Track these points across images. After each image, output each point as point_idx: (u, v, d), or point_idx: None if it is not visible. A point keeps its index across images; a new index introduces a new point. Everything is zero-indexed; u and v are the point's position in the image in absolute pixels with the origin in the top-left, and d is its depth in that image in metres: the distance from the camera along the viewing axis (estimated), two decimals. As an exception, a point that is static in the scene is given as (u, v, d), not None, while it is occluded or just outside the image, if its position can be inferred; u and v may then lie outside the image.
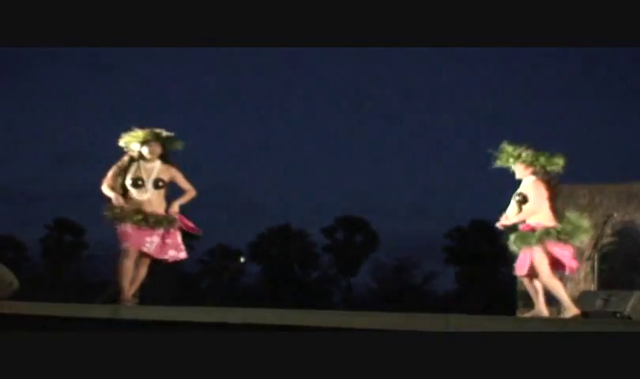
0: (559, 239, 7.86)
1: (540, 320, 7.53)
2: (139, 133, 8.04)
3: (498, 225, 8.22)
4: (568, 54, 70.19)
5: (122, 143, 8.15)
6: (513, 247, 8.11)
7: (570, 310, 7.89)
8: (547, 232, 7.83)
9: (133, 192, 7.96)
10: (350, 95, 79.96)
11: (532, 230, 7.93)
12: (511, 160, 7.99)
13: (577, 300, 9.96)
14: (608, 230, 10.67)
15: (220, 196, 59.76)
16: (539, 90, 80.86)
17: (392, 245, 46.82)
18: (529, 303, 11.70)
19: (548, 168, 8.04)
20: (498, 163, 8.11)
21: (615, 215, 10.65)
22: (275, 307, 9.09)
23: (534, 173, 8.04)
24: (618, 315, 8.86)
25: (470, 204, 77.38)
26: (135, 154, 8.01)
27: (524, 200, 7.95)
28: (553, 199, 8.06)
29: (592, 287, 9.97)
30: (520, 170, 8.02)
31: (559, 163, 8.05)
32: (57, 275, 44.49)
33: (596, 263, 9.97)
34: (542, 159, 7.99)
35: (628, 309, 8.87)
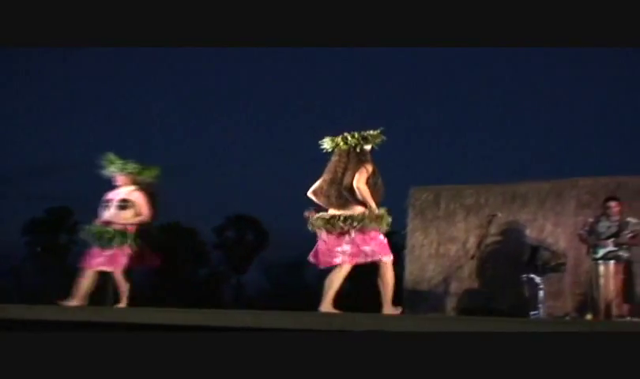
0: None
1: (428, 318, 7.59)
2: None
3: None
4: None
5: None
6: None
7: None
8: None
9: None
10: (241, 94, 79.59)
11: None
12: None
13: (461, 298, 10.17)
14: (492, 230, 10.92)
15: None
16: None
17: (284, 243, 46.84)
18: (415, 301, 11.89)
19: None
20: None
21: (499, 214, 10.90)
22: (163, 306, 8.95)
23: None
24: (499, 312, 9.08)
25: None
26: None
27: None
28: None
29: (476, 285, 10.18)
30: None
31: None
32: None
33: (479, 261, 10.18)
34: None
35: (509, 307, 9.09)
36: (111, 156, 8.78)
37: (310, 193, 7.20)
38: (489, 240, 10.95)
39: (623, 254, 9.19)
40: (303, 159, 76.17)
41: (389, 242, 7.15)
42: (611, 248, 9.18)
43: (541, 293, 9.86)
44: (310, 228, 7.23)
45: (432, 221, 11.66)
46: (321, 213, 7.14)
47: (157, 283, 42.40)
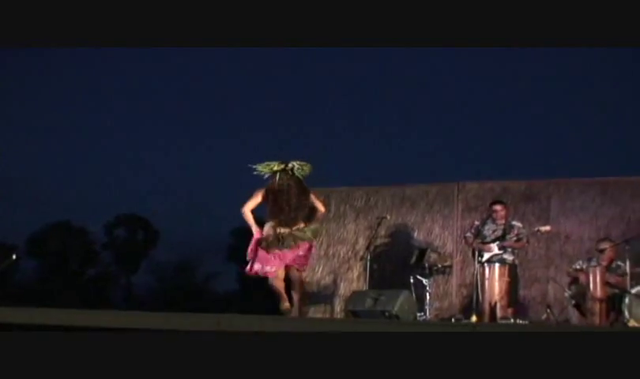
0: None
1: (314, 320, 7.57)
2: None
3: None
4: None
5: None
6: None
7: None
8: None
9: None
10: (131, 91, 78.19)
11: None
12: None
13: (349, 299, 10.18)
14: (382, 232, 10.98)
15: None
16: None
17: (174, 243, 46.24)
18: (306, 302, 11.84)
19: None
20: None
21: (388, 217, 10.96)
22: (51, 306, 8.65)
23: None
24: (387, 314, 9.11)
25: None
26: None
27: None
28: None
29: (365, 286, 10.20)
30: None
31: None
32: None
33: (368, 263, 10.20)
34: None
35: (396, 308, 9.13)
36: None
37: None
38: (378, 242, 11.01)
39: (508, 257, 9.35)
40: (194, 158, 75.68)
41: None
42: (496, 251, 9.34)
43: (428, 295, 9.97)
44: None
45: (322, 222, 11.66)
46: None
47: (46, 282, 41.30)
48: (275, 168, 8.15)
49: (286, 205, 8.03)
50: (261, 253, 8.03)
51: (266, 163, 8.21)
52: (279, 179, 8.09)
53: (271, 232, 8.02)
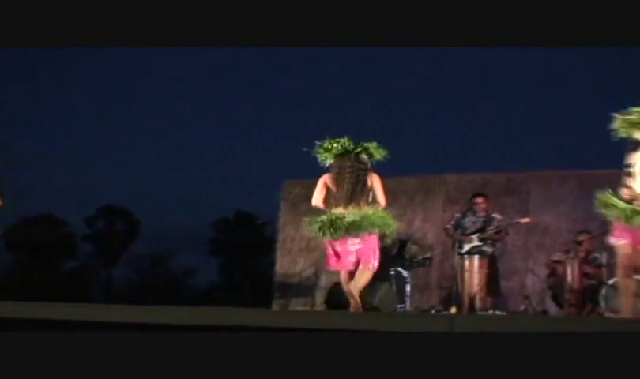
0: None
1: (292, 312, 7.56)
2: None
3: None
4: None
5: None
6: None
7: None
8: None
9: None
10: (108, 86, 77.77)
11: None
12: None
13: (329, 292, 10.21)
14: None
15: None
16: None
17: (155, 235, 46.10)
18: (285, 295, 11.90)
19: None
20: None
21: (369, 209, 10.99)
22: (29, 299, 8.58)
23: None
24: (367, 306, 9.14)
25: (234, 197, 78.05)
26: None
27: None
28: None
29: (346, 278, 10.23)
30: None
31: None
32: None
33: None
34: None
35: (376, 301, 9.18)
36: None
37: None
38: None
39: (488, 249, 9.42)
40: (171, 151, 75.43)
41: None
42: (476, 243, 9.40)
43: (408, 286, 10.02)
44: None
45: (304, 215, 11.68)
46: None
47: (26, 275, 41.06)
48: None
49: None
50: None
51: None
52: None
53: None
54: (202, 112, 78.36)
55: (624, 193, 6.06)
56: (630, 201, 6.01)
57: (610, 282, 8.70)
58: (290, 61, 75.51)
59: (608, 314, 8.45)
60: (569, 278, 8.80)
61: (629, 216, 5.96)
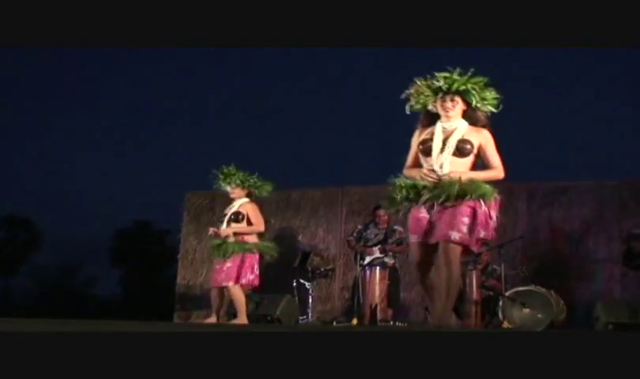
0: None
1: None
2: None
3: None
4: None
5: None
6: None
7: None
8: None
9: None
10: (11, 93, 75.81)
11: None
12: None
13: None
14: (267, 235, 10.98)
15: None
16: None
17: (56, 246, 45.04)
18: (186, 306, 11.75)
19: None
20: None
21: (273, 221, 10.98)
22: None
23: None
24: (269, 318, 9.13)
25: (132, 206, 77.00)
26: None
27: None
28: None
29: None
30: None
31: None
32: None
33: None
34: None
35: (278, 312, 9.16)
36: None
37: None
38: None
39: (389, 261, 9.50)
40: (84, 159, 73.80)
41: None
42: (377, 255, 9.47)
43: (311, 298, 10.04)
44: None
45: (207, 226, 11.59)
46: None
47: None
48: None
49: None
50: None
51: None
52: None
53: None
54: (105, 124, 77.11)
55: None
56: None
57: (507, 293, 8.89)
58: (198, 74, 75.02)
59: (505, 325, 8.64)
60: (467, 289, 8.93)
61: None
